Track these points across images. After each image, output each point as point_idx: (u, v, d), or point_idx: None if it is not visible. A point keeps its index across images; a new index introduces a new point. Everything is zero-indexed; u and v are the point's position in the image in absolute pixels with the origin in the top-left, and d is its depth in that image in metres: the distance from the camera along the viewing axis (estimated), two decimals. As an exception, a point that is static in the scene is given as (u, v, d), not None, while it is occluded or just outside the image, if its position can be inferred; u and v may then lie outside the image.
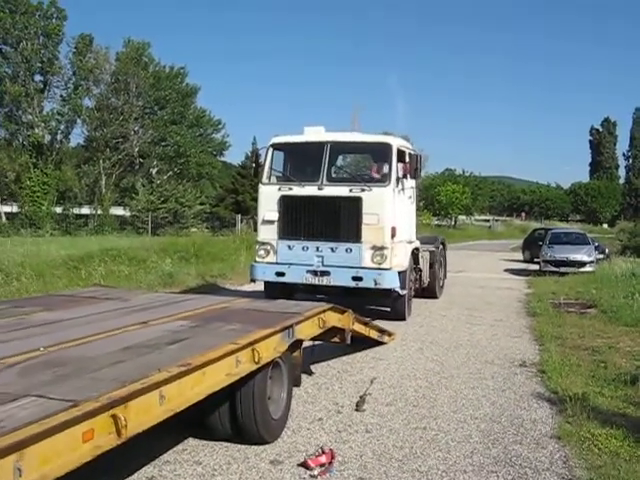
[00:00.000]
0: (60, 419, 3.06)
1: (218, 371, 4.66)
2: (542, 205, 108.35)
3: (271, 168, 12.92)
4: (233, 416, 5.58)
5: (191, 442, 5.90)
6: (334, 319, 7.51)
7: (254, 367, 5.22)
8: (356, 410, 6.99)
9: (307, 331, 6.64)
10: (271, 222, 12.39)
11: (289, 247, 12.31)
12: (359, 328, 8.55)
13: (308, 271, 12.09)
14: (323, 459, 5.42)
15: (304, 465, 5.38)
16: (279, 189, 12.45)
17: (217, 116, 62.28)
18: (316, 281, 12.07)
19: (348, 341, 8.03)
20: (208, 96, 67.82)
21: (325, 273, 11.99)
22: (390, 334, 10.40)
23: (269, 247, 12.48)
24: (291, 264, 12.22)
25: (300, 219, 12.21)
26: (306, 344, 7.21)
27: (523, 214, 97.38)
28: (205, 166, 59.25)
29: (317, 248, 12.10)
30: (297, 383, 6.63)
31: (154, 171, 56.45)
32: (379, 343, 9.99)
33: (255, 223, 13.48)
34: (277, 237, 12.40)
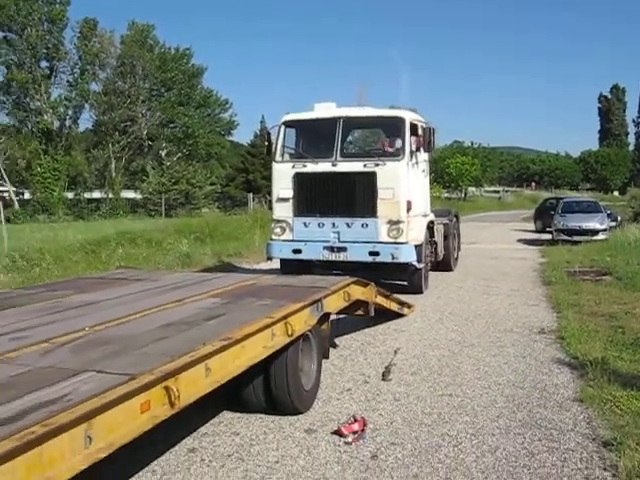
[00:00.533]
0: (121, 391, 3.26)
1: (256, 344, 4.88)
2: (552, 174, 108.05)
3: (284, 146, 12.94)
4: (267, 389, 5.79)
5: (227, 415, 6.12)
6: (358, 292, 7.71)
7: (288, 340, 5.43)
8: (383, 380, 7.20)
9: (334, 304, 6.85)
10: (286, 200, 12.44)
11: (305, 224, 12.36)
12: (381, 301, 8.75)
13: (325, 247, 12.16)
14: (356, 427, 5.62)
15: (338, 433, 5.59)
16: (293, 166, 12.48)
17: (224, 96, 62.47)
18: (333, 257, 12.14)
19: (372, 313, 8.24)
20: (214, 76, 68.25)
21: (342, 249, 12.06)
22: (410, 306, 10.61)
23: (285, 225, 12.53)
24: (307, 241, 12.29)
25: (315, 196, 12.26)
26: (333, 317, 7.40)
27: (533, 184, 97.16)
28: (214, 146, 59.40)
29: (333, 224, 12.15)
30: (326, 355, 6.84)
31: (163, 153, 56.61)
32: (399, 315, 10.19)
33: (270, 201, 13.52)
34: (292, 214, 12.45)
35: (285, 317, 5.40)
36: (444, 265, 15.75)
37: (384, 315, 9.66)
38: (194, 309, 5.74)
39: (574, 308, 11.06)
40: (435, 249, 14.58)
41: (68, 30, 52.04)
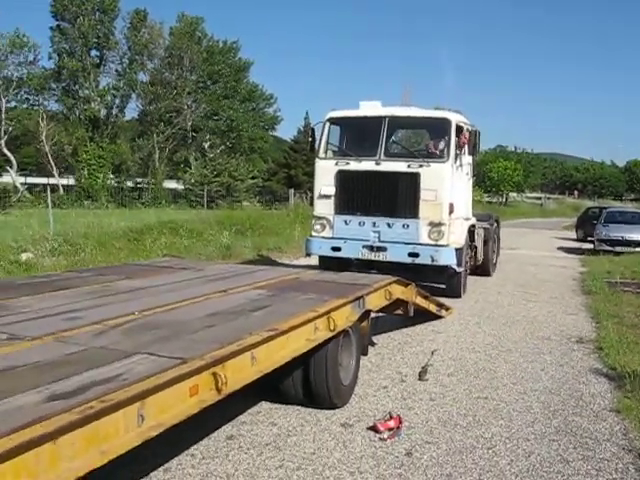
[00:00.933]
0: (172, 374, 3.39)
1: (300, 336, 4.99)
2: (596, 183, 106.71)
3: (327, 142, 12.89)
4: (306, 381, 5.89)
5: (265, 405, 6.23)
6: (399, 291, 7.78)
7: (330, 334, 5.53)
8: (419, 379, 7.26)
9: (375, 302, 6.93)
10: (327, 197, 12.41)
11: (345, 222, 12.32)
12: (420, 301, 8.81)
13: (364, 246, 12.10)
14: (391, 423, 5.70)
15: (373, 429, 5.67)
16: (336, 164, 12.46)
17: (269, 91, 62.77)
18: (372, 256, 12.08)
19: (411, 313, 8.30)
20: (261, 71, 68.59)
21: (381, 249, 12.01)
22: (448, 308, 10.63)
23: (325, 222, 12.51)
24: (347, 239, 12.25)
25: (357, 194, 12.21)
26: (373, 315, 7.48)
27: (576, 192, 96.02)
28: (257, 140, 59.77)
29: (374, 223, 12.10)
30: (364, 352, 6.93)
31: (207, 145, 57.10)
32: (437, 317, 10.23)
33: (311, 198, 13.56)
34: (333, 212, 12.41)
35: (328, 312, 5.50)
36: (482, 270, 15.68)
37: (422, 316, 9.70)
38: (239, 299, 5.88)
39: (614, 319, 10.97)
40: (475, 253, 14.52)
41: (119, 20, 53.04)
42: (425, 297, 9.15)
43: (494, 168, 63.74)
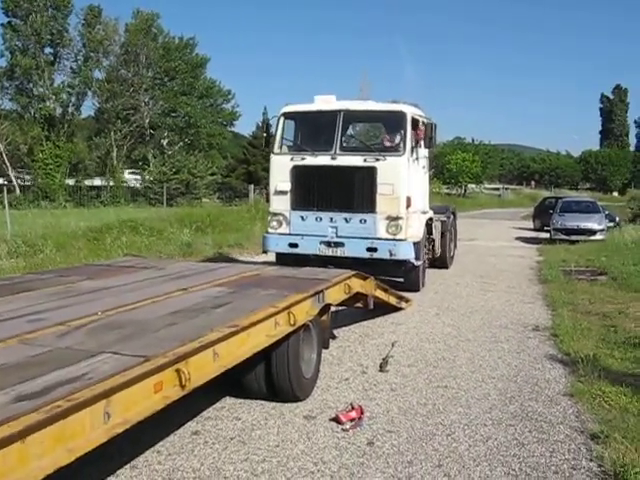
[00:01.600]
0: (136, 372, 3.48)
1: (260, 332, 5.11)
2: (552, 173, 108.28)
3: (282, 137, 12.74)
4: (268, 375, 6.00)
5: (229, 400, 6.33)
6: (358, 285, 7.93)
7: (290, 329, 5.66)
8: (380, 371, 7.42)
9: (335, 296, 7.07)
10: (283, 193, 12.28)
11: (302, 218, 12.21)
12: (380, 294, 8.97)
13: (322, 242, 12.01)
14: (353, 414, 5.84)
15: (336, 420, 5.81)
16: (291, 159, 12.31)
17: (227, 87, 62.49)
18: (330, 252, 11.98)
19: (371, 306, 8.47)
20: (218, 67, 68.23)
21: (339, 244, 11.93)
22: (407, 300, 10.83)
23: (282, 218, 12.38)
24: (304, 235, 12.15)
25: (313, 189, 12.11)
26: (332, 309, 7.61)
27: (533, 182, 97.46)
28: (216, 137, 59.44)
29: (331, 219, 12.00)
30: (325, 345, 7.06)
31: (165, 142, 56.72)
32: (397, 309, 10.41)
33: (267, 194, 13.34)
34: (290, 208, 12.29)
35: (288, 307, 5.62)
36: (440, 262, 15.82)
37: (383, 308, 9.87)
38: (201, 297, 5.97)
39: (569, 306, 11.28)
40: (432, 246, 14.60)
41: (73, 17, 52.17)
42: (384, 290, 9.31)
43: (452, 160, 64.33)
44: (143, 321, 4.82)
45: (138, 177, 51.80)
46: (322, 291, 6.50)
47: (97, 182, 52.28)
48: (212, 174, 50.84)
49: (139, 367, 3.54)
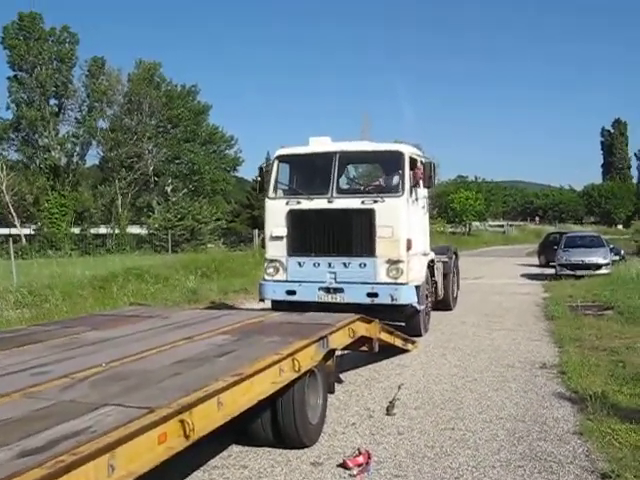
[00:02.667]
0: (140, 424, 3.49)
1: (265, 380, 5.11)
2: (556, 208, 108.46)
3: (277, 181, 12.48)
4: (274, 422, 5.98)
5: (235, 448, 6.30)
6: (362, 329, 7.93)
7: (295, 375, 5.65)
8: (387, 414, 7.38)
9: (339, 341, 7.06)
10: (279, 238, 11.96)
11: (299, 264, 11.88)
12: (385, 337, 8.95)
13: (320, 288, 11.65)
14: (360, 459, 5.81)
15: (343, 466, 5.77)
16: (287, 203, 12.01)
17: (229, 132, 63.06)
18: (329, 299, 11.62)
19: (376, 349, 8.43)
20: (220, 113, 69.10)
21: (338, 290, 11.58)
22: (413, 342, 10.79)
23: (278, 264, 12.03)
24: (302, 282, 11.80)
25: (310, 234, 11.82)
26: (337, 353, 7.61)
27: (537, 218, 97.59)
28: (219, 182, 59.89)
29: (329, 264, 11.68)
30: (331, 390, 7.03)
31: (169, 189, 57.18)
32: (404, 351, 10.38)
33: (263, 239, 13.02)
34: (286, 254, 11.95)
35: (292, 354, 5.63)
36: (443, 304, 15.33)
37: (388, 350, 9.84)
38: (205, 346, 5.98)
39: (576, 343, 11.23)
40: (435, 288, 14.19)
41: (77, 68, 53.36)
42: (389, 332, 9.29)
43: (456, 199, 64.50)
44: (147, 372, 4.83)
45: (142, 228, 52.01)
46: (326, 336, 6.50)
47: (102, 230, 52.61)
48: (217, 219, 51.08)
49: (143, 418, 3.55)
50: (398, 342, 9.82)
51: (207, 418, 4.17)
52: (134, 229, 53.51)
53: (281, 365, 5.40)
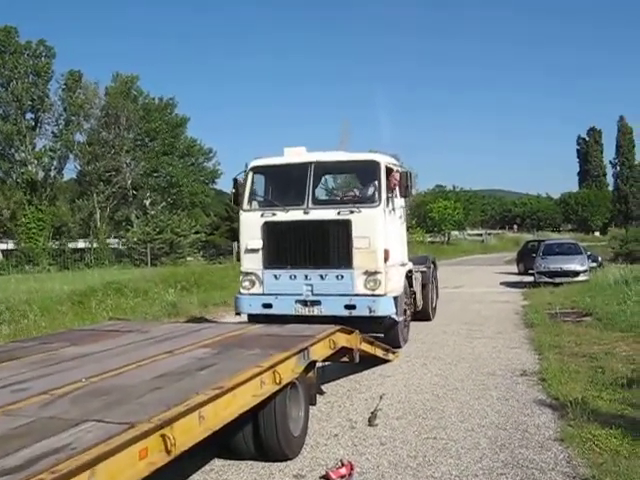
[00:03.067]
0: (120, 440, 3.47)
1: (246, 392, 5.11)
2: (533, 216, 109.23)
3: (252, 193, 12.35)
4: (256, 435, 5.98)
5: (217, 462, 6.27)
6: (343, 340, 7.94)
7: (276, 388, 5.65)
8: (369, 425, 7.38)
9: (320, 352, 7.08)
10: (255, 251, 11.80)
11: (275, 277, 11.73)
12: (366, 347, 8.97)
13: (297, 301, 11.53)
14: (343, 471, 5.80)
15: (326, 477, 5.77)
16: (261, 215, 11.87)
17: (208, 144, 62.91)
18: (306, 311, 11.45)
19: (356, 360, 8.45)
20: (198, 125, 68.83)
21: (315, 303, 11.46)
22: (395, 352, 10.83)
23: (254, 277, 11.89)
24: (278, 295, 11.65)
25: (286, 246, 11.69)
26: (318, 365, 7.60)
27: (515, 226, 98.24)
28: (198, 195, 59.60)
29: (306, 276, 11.54)
30: (312, 402, 7.03)
31: (148, 202, 56.82)
32: (385, 361, 10.40)
33: (238, 252, 12.87)
34: (262, 266, 11.79)
35: (273, 366, 5.62)
36: (423, 314, 15.22)
37: (369, 361, 9.85)
38: (185, 359, 5.97)
39: (555, 349, 11.31)
40: (414, 299, 14.10)
41: (53, 82, 52.75)
42: (370, 343, 9.32)
43: (435, 208, 64.79)
44: (128, 387, 4.81)
45: (121, 242, 51.67)
46: (307, 348, 6.51)
47: (81, 244, 52.14)
48: (196, 232, 50.83)
49: (123, 434, 3.53)
50: (379, 352, 9.84)
51: (188, 432, 4.16)
52: (113, 243, 53.15)
53: (262, 378, 5.40)
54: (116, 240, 53.07)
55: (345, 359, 8.39)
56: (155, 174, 57.08)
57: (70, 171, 58.23)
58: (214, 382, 4.82)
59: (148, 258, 34.97)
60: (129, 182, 55.02)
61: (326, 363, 8.70)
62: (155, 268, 33.04)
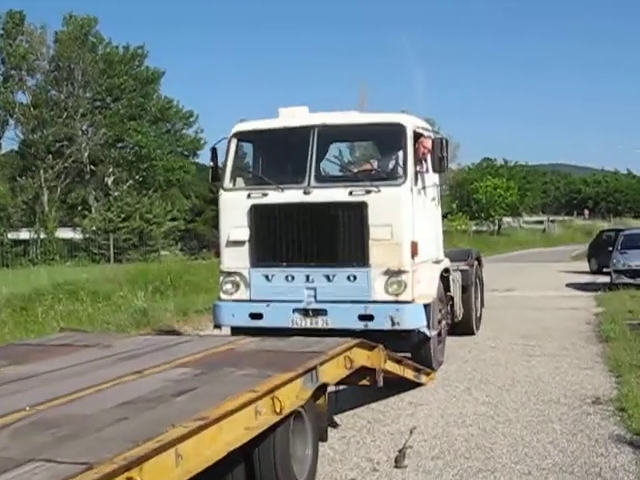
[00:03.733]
0: (75, 485, 3.49)
1: (237, 424, 5.10)
2: (610, 199, 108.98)
3: (236, 167, 12.21)
4: (251, 479, 5.99)
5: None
6: (363, 357, 7.95)
7: (275, 419, 5.65)
8: (396, 467, 7.39)
9: (332, 373, 7.08)
10: (239, 243, 11.58)
11: (267, 277, 11.52)
12: (392, 367, 8.96)
13: (295, 310, 11.29)
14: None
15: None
16: (248, 196, 11.63)
17: (188, 107, 62.82)
18: (308, 324, 11.24)
19: (380, 383, 8.41)
20: (175, 82, 68.66)
21: (319, 312, 11.22)
22: (429, 373, 10.82)
23: (238, 278, 11.70)
24: (271, 301, 11.40)
25: (281, 237, 11.45)
26: (329, 389, 7.61)
27: (586, 211, 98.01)
28: (175, 171, 59.52)
29: (307, 277, 11.34)
30: (323, 437, 7.02)
31: (110, 181, 56.91)
32: (416, 385, 10.41)
33: (217, 245, 12.45)
34: (249, 264, 11.57)
35: (272, 390, 5.63)
36: (464, 327, 15.02)
37: (396, 385, 9.87)
38: (158, 382, 5.99)
39: (638, 371, 11.28)
40: (451, 307, 13.66)
41: (-13, 26, 52.86)
42: (398, 361, 9.31)
43: (481, 188, 64.74)
44: (84, 416, 4.83)
45: (76, 231, 51.85)
46: (315, 367, 6.51)
47: (24, 235, 52.26)
48: (172, 219, 51.02)
49: (80, 477, 3.55)
50: (409, 373, 9.85)
51: (162, 475, 4.16)
52: (65, 233, 53.24)
53: (257, 405, 5.40)
54: (70, 229, 53.19)
55: (365, 382, 8.39)
56: (119, 144, 57.14)
57: (10, 141, 58.26)
58: (195, 411, 4.82)
59: (111, 252, 35.15)
60: (86, 154, 55.10)
61: (340, 387, 8.73)
62: (120, 265, 33.19)
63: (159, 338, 10.09)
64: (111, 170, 57.40)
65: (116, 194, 52.77)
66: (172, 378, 6.14)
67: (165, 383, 5.94)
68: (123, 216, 47.22)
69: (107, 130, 55.71)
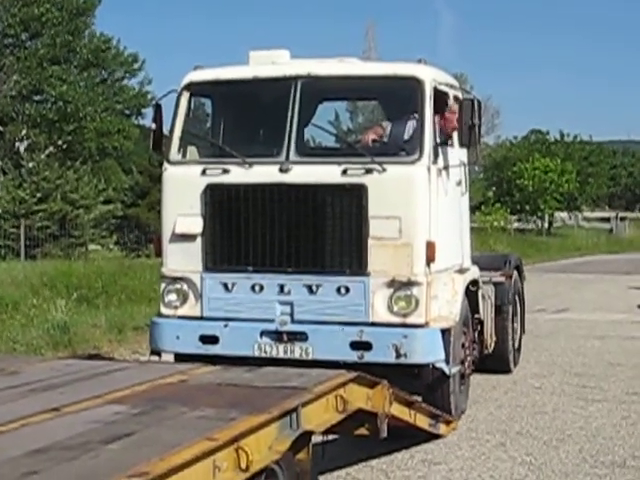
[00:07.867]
0: None
1: (189, 484, 5.11)
2: None
3: (186, 132, 12.10)
4: None
5: None
6: (361, 397, 7.94)
7: (240, 477, 5.66)
8: None
9: (319, 417, 7.06)
10: (189, 238, 11.49)
11: (226, 287, 11.43)
12: (399, 411, 8.95)
13: (264, 333, 11.18)
14: None
15: None
16: (203, 172, 11.48)
17: (131, 49, 62.82)
18: (280, 352, 11.13)
19: (383, 433, 8.40)
20: (114, 16, 68.41)
21: (297, 336, 11.11)
22: (449, 421, 10.82)
23: (186, 287, 11.64)
24: (230, 320, 11.32)
25: (246, 231, 11.31)
26: (315, 439, 7.61)
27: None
28: (112, 136, 59.58)
29: (281, 288, 11.24)
30: (305, 505, 7.06)
31: (22, 147, 56.87)
32: (432, 436, 10.42)
33: (158, 239, 12.27)
34: (201, 267, 11.49)
35: (236, 439, 5.62)
36: (496, 361, 14.87)
37: (405, 435, 9.89)
38: (82, 423, 5.96)
39: None
40: (480, 333, 13.48)
41: None
42: (408, 404, 9.30)
43: (527, 171, 64.67)
44: (-20, 469, 4.83)
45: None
46: (296, 409, 6.49)
47: None
48: (106, 202, 50.93)
49: None
50: (422, 421, 9.85)
51: None
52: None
53: (216, 459, 5.39)
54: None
55: (363, 431, 8.41)
56: (37, 97, 57.10)
57: None
58: (132, 464, 4.79)
59: (21, 244, 35.02)
60: (-9, 110, 55.08)
61: (330, 437, 8.73)
62: (34, 263, 33.11)
63: (85, 364, 10.02)
64: (25, 132, 57.37)
65: (30, 165, 52.60)
66: (101, 419, 6.12)
67: (92, 425, 5.91)
68: (39, 196, 47.04)
69: (20, 77, 55.64)
